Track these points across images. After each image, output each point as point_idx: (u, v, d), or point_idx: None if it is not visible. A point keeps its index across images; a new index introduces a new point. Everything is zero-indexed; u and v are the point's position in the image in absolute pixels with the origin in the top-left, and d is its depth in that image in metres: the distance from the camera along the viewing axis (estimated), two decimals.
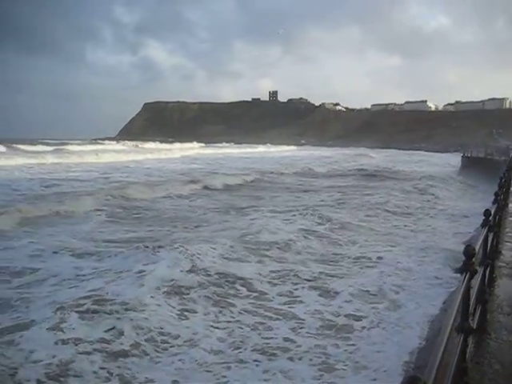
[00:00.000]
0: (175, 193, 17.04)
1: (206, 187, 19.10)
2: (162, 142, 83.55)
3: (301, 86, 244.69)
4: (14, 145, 50.02)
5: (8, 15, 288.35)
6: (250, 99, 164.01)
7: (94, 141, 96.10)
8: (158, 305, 5.64)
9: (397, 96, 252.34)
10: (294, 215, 12.13)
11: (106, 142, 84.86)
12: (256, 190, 19.53)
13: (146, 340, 4.83)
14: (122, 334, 4.87)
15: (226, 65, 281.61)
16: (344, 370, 4.45)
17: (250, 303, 6.08)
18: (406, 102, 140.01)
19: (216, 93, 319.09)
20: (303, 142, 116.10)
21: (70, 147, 53.93)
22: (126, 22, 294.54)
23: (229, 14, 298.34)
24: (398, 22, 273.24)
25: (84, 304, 5.47)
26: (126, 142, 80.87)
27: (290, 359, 4.66)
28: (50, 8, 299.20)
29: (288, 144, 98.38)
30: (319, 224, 11.15)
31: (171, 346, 4.79)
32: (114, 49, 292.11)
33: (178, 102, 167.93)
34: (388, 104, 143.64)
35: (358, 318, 5.60)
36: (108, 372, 4.27)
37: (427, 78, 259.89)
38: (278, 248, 8.79)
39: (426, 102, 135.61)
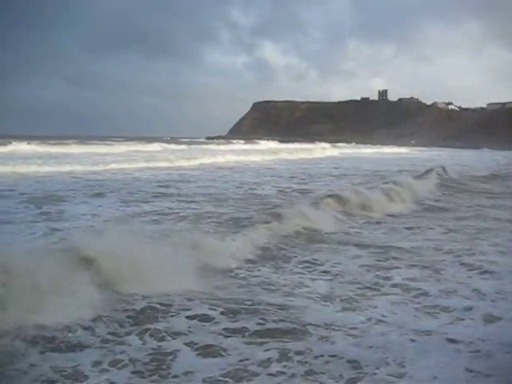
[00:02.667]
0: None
1: None
2: (280, 141, 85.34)
3: (412, 85, 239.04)
4: (164, 144, 55.60)
5: (133, 20, 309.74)
6: (359, 98, 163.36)
7: (223, 139, 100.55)
8: None
9: None
10: None
11: (235, 141, 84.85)
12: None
13: None
14: None
15: (338, 64, 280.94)
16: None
17: None
18: None
19: (327, 92, 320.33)
20: (413, 142, 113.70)
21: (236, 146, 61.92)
22: (242, 24, 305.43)
23: (344, 12, 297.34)
24: None
25: None
26: (258, 141, 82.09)
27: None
28: (172, 12, 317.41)
29: (397, 145, 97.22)
30: None
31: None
32: (229, 50, 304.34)
33: (287, 101, 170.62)
34: (506, 103, 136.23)
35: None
36: None
37: None
38: None
39: None
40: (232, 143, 76.38)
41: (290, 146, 70.07)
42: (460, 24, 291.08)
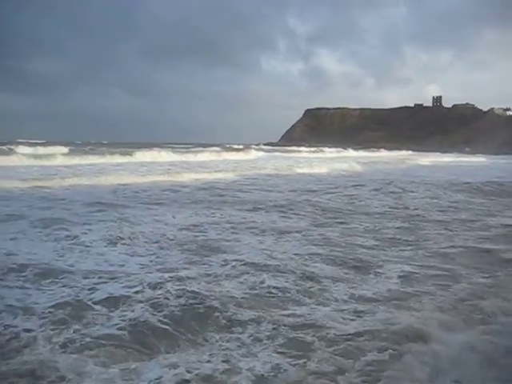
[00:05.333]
0: None
1: None
2: (330, 147, 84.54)
3: (468, 91, 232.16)
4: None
5: (192, 29, 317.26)
6: (412, 105, 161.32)
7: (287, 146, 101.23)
8: None
9: None
10: None
11: (306, 149, 78.65)
12: None
13: None
14: None
15: (394, 71, 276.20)
16: None
17: None
18: None
19: (382, 100, 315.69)
20: (468, 149, 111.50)
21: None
22: (299, 32, 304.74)
23: (401, 19, 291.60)
24: None
25: None
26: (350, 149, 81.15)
27: None
28: (230, 20, 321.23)
29: (451, 152, 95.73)
30: None
31: None
32: (286, 58, 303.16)
33: (339, 108, 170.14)
34: None
35: None
36: None
37: None
38: None
39: None
40: (305, 151, 71.97)
41: (370, 154, 70.19)
42: None
